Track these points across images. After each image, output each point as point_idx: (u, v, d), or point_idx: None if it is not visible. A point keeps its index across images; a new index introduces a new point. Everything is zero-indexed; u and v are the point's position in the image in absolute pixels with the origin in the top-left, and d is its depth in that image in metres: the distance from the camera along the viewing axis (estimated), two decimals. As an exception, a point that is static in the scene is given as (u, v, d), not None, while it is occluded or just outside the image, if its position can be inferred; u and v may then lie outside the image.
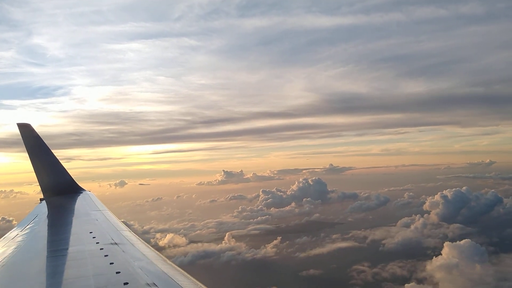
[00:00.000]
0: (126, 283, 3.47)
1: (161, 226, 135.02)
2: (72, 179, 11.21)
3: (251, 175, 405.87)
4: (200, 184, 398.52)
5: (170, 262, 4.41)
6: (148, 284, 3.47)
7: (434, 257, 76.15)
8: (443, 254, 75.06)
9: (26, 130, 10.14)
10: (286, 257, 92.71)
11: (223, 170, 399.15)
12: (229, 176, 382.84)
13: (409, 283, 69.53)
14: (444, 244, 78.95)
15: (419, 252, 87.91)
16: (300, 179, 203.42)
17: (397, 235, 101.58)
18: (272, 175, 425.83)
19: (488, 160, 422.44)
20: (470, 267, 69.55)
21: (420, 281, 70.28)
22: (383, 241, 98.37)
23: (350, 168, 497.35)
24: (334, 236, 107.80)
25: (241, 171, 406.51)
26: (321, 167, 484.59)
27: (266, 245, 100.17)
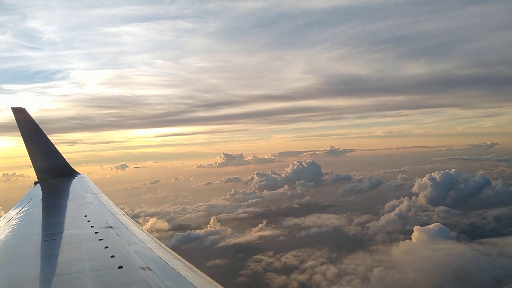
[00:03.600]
0: (120, 267, 3.49)
1: (152, 210, 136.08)
2: (67, 162, 11.20)
3: (251, 157, 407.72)
4: (200, 166, 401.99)
5: (165, 246, 4.43)
6: (142, 267, 3.49)
7: (401, 241, 75.70)
8: (413, 239, 74.76)
9: (20, 114, 10.14)
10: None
11: (223, 153, 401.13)
12: (229, 158, 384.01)
13: (292, 272, 69.34)
14: (414, 228, 78.58)
15: (386, 237, 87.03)
16: (303, 161, 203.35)
17: (381, 218, 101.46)
18: (272, 157, 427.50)
19: (489, 142, 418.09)
20: (431, 252, 68.85)
21: (303, 270, 69.66)
22: (368, 225, 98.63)
23: (350, 150, 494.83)
24: (307, 219, 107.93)
25: (241, 153, 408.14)
26: (322, 149, 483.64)
27: (251, 229, 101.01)
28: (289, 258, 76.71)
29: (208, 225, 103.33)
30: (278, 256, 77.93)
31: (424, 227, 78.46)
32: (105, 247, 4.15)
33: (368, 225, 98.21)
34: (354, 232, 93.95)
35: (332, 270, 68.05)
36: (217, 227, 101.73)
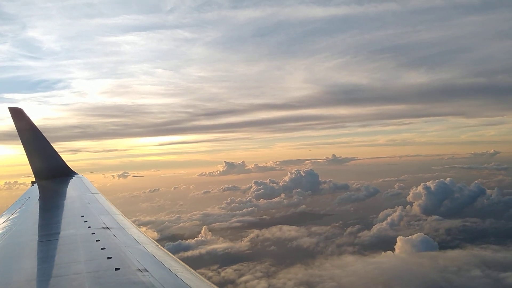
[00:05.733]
0: (117, 269, 3.43)
1: (147, 218, 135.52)
2: (64, 162, 11.17)
3: (253, 166, 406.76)
4: (201, 175, 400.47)
5: (162, 248, 4.41)
6: (139, 269, 3.44)
7: (383, 252, 74.55)
8: (396, 249, 73.81)
9: (17, 114, 10.10)
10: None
11: (225, 161, 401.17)
12: (231, 167, 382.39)
13: (226, 287, 67.84)
14: (397, 239, 77.59)
15: (336, 249, 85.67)
16: (301, 170, 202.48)
17: (373, 227, 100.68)
18: (274, 166, 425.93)
19: (492, 150, 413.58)
20: (363, 265, 68.17)
21: (236, 285, 68.43)
22: (359, 234, 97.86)
23: (353, 159, 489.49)
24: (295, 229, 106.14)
25: (243, 162, 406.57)
26: (324, 157, 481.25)
27: (243, 239, 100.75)
28: (229, 272, 75.31)
29: (199, 235, 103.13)
30: (220, 270, 76.62)
31: (407, 237, 77.63)
32: (102, 248, 4.07)
33: (359, 234, 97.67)
34: (308, 244, 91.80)
35: (262, 285, 67.17)
36: (208, 237, 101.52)
